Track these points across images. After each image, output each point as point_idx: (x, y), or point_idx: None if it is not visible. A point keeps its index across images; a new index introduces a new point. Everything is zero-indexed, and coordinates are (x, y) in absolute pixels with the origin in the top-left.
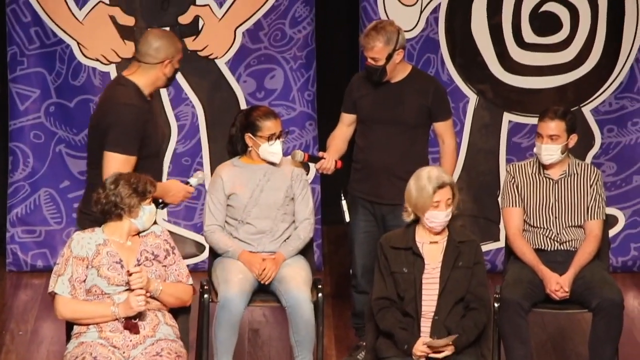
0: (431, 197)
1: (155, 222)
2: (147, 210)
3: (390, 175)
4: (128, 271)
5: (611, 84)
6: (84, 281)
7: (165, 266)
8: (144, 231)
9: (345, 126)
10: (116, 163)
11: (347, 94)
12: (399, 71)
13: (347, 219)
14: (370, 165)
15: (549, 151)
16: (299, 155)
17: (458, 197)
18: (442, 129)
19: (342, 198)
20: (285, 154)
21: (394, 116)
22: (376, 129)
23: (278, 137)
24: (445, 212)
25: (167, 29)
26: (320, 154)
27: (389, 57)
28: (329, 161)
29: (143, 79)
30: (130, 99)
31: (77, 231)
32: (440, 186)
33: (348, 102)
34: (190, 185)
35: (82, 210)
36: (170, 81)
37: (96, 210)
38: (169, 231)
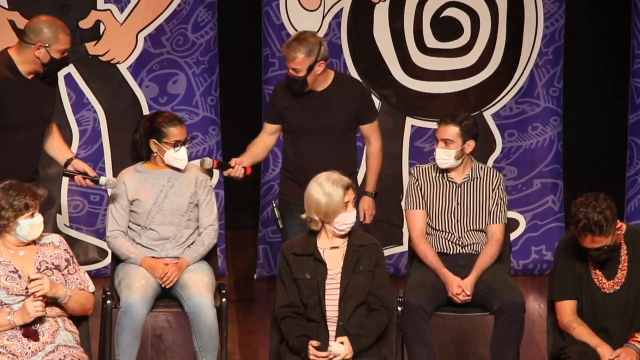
0: (343, 199)
1: (58, 231)
2: (26, 224)
3: None
4: (29, 277)
5: (511, 88)
6: None
7: (65, 275)
8: (38, 240)
9: (268, 135)
10: None
11: (271, 104)
12: (322, 80)
13: (281, 225)
14: (303, 174)
15: (443, 155)
16: (208, 162)
17: (355, 194)
18: (369, 130)
19: (274, 205)
20: (191, 158)
21: (323, 125)
22: (305, 139)
23: (183, 144)
24: (354, 212)
25: None
26: (233, 160)
27: (310, 69)
28: (238, 170)
29: (18, 55)
30: None
31: None
32: (347, 187)
33: (273, 113)
34: (99, 184)
35: None
36: (47, 69)
37: None
38: (70, 237)
